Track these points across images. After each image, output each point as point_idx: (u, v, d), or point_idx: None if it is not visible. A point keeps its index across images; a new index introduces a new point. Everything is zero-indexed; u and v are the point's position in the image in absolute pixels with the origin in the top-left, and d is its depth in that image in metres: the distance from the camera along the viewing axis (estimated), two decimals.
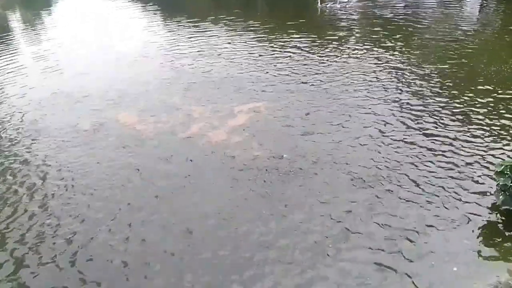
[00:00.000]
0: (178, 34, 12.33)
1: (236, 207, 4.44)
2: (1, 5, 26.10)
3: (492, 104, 6.15)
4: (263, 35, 11.23)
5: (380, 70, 7.86)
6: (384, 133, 5.64)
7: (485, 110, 6.01)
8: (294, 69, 8.30)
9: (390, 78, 7.47)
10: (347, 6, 11.91)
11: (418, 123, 5.84)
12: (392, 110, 6.27)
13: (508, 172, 3.98)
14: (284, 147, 5.46)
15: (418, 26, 11.30)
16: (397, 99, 6.60)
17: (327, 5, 12.41)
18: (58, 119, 7.03)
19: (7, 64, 10.78)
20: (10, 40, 14.83)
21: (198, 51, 10.21)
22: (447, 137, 5.41)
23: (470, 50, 8.69)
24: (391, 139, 5.48)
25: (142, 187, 4.94)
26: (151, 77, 8.60)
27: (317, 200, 4.41)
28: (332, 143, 5.49)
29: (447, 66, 7.81)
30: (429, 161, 4.93)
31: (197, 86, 7.86)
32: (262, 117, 6.35)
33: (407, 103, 6.44)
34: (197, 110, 6.78)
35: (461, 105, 6.22)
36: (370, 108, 6.35)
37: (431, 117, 5.96)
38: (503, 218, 3.99)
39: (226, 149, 5.53)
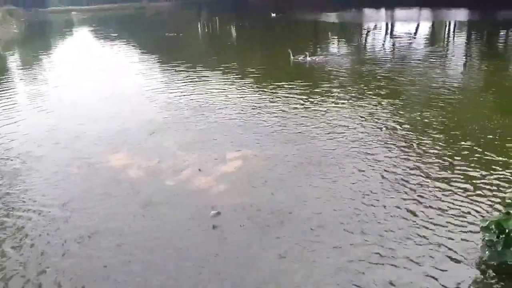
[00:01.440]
0: (172, 79, 12.77)
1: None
2: (2, 46, 26.79)
3: (476, 159, 6.30)
4: (243, 83, 11.87)
5: (359, 122, 8.13)
6: (366, 184, 5.71)
7: (470, 164, 6.14)
8: (282, 118, 8.57)
9: (373, 130, 7.68)
10: (317, 60, 14.71)
11: (400, 178, 5.92)
12: (373, 164, 6.37)
13: (493, 228, 4.03)
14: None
15: (403, 79, 11.82)
16: (380, 154, 6.74)
17: (299, 58, 14.80)
18: (45, 158, 7.06)
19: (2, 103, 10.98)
20: (8, 80, 15.14)
21: (189, 96, 10.65)
22: (431, 190, 5.47)
23: (455, 106, 9.02)
24: (371, 191, 5.54)
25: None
26: (142, 120, 8.82)
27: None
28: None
29: (430, 121, 8.05)
30: (411, 212, 4.97)
31: (188, 132, 8.02)
32: (249, 165, 6.43)
33: (392, 159, 6.57)
34: (185, 155, 6.86)
35: (445, 158, 6.36)
36: (345, 160, 6.48)
37: (413, 169, 6.07)
38: (490, 274, 3.98)
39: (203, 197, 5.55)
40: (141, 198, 5.60)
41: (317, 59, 14.76)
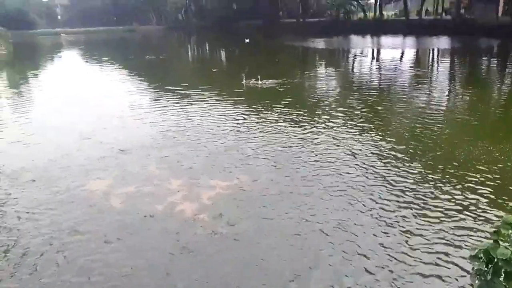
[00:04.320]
0: (162, 103, 12.74)
1: None
2: None
3: (463, 186, 6.31)
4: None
5: (338, 149, 8.14)
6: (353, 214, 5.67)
7: (457, 192, 6.14)
8: (270, 142, 8.54)
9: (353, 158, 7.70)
10: (266, 83, 15.39)
11: (387, 207, 5.89)
12: (360, 194, 6.35)
13: (481, 256, 3.97)
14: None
15: (386, 104, 12.01)
16: (368, 180, 6.73)
17: (250, 82, 15.52)
18: (26, 188, 6.82)
19: None
20: None
21: (178, 120, 10.56)
22: (418, 219, 5.43)
23: (439, 131, 9.11)
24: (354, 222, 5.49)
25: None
26: (131, 144, 8.64)
27: None
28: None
29: (415, 148, 8.08)
30: (399, 244, 4.91)
31: (174, 156, 7.89)
32: (237, 193, 6.34)
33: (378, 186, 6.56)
34: (172, 182, 6.72)
35: (430, 185, 6.37)
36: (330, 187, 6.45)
37: (399, 196, 6.06)
38: None
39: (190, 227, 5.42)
40: None
41: (267, 82, 15.50)
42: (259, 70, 18.12)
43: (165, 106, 12.56)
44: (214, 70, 17.14)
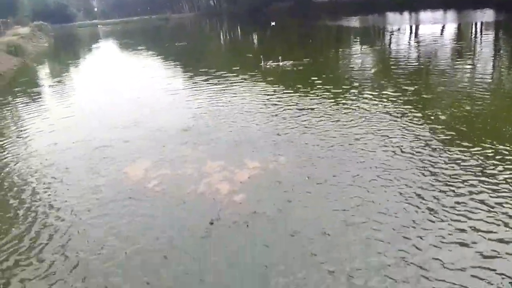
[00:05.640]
0: (200, 89, 12.78)
1: None
2: (31, 59, 27.80)
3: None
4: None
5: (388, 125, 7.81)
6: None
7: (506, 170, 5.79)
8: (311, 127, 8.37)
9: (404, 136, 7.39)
10: (280, 64, 15.31)
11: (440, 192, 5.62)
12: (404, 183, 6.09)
13: None
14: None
15: (429, 81, 11.43)
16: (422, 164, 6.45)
17: (268, 64, 15.54)
18: (75, 169, 7.07)
19: (34, 114, 11.34)
20: (39, 91, 15.66)
21: (216, 105, 10.54)
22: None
23: (485, 107, 8.61)
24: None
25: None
26: (170, 129, 8.75)
27: None
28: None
29: (460, 125, 7.69)
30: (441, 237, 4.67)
31: (214, 140, 7.89)
32: (271, 175, 6.27)
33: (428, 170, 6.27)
34: (209, 165, 6.72)
35: (479, 163, 6.02)
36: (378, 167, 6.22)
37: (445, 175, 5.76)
38: None
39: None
40: None
41: (287, 63, 15.35)
42: (290, 52, 17.91)
43: (198, 90, 12.66)
44: (248, 55, 17.09)
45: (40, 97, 14.38)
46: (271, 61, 15.65)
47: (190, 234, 4.79)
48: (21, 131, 9.88)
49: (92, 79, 17.83)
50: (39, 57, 30.47)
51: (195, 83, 13.98)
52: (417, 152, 6.52)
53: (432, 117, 8.13)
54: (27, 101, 13.50)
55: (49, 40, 47.32)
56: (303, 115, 8.93)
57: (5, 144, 8.86)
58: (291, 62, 15.49)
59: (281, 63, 15.30)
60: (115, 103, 12.14)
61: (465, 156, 6.22)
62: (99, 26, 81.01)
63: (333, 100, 9.96)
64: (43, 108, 12.29)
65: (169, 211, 5.37)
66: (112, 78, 17.37)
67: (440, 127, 7.55)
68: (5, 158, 7.96)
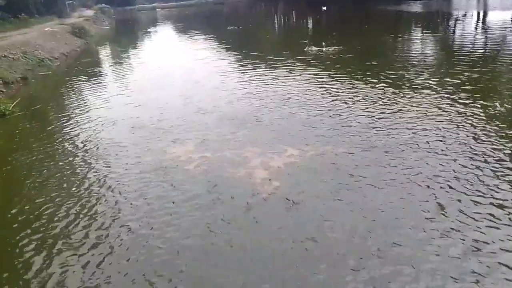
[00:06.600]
0: (250, 75, 12.76)
1: None
2: (96, 41, 29.31)
3: None
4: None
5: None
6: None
7: None
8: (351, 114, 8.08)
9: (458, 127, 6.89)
10: (323, 50, 15.29)
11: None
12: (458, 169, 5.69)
13: None
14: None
15: (492, 71, 10.54)
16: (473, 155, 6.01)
17: (310, 49, 15.65)
18: (124, 148, 7.39)
19: (96, 92, 12.03)
20: (101, 72, 16.56)
21: (259, 92, 10.47)
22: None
23: None
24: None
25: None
26: (213, 113, 8.86)
27: None
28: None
29: None
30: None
31: (253, 126, 7.88)
32: (307, 162, 6.13)
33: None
34: (250, 150, 6.71)
35: None
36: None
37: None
38: None
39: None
40: None
41: (330, 49, 15.31)
42: (341, 38, 17.34)
43: (244, 73, 12.71)
44: (303, 41, 16.88)
45: (100, 77, 15.16)
46: (314, 47, 15.73)
47: None
48: (79, 107, 10.50)
49: (148, 61, 18.48)
50: (101, 39, 32.05)
51: (244, 66, 14.02)
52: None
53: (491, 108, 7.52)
54: (86, 79, 14.31)
55: (111, 22, 49.57)
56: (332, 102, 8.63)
57: (69, 118, 9.49)
58: (334, 48, 15.42)
59: (324, 49, 15.27)
60: (167, 83, 12.49)
61: None
62: (157, 9, 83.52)
63: (371, 89, 9.51)
64: (101, 86, 12.97)
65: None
66: (167, 60, 17.88)
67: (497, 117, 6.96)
68: (68, 128, 8.54)
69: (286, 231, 4.45)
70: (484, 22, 22.10)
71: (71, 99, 11.88)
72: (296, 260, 3.99)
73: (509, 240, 4.00)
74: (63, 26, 28.94)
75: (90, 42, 28.30)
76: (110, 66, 17.83)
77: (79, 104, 10.93)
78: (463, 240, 4.05)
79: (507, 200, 4.64)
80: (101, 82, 13.84)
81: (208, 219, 4.80)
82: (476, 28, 20.34)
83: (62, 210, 5.30)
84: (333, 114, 7.97)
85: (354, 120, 7.58)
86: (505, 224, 4.22)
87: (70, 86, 13.73)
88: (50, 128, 9.06)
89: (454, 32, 19.70)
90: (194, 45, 22.19)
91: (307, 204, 4.91)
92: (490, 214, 4.41)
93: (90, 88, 12.91)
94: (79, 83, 14.17)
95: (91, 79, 14.42)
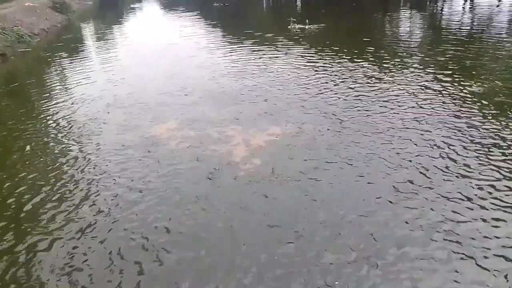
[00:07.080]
0: (236, 52, 12.57)
1: None
2: (77, 17, 28.38)
3: None
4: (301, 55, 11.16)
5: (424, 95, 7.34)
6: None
7: None
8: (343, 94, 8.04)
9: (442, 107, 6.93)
10: (306, 28, 15.52)
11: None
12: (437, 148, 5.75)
13: None
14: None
15: (477, 51, 10.58)
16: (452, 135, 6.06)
17: (293, 26, 15.86)
18: (107, 126, 7.27)
19: (78, 69, 11.77)
20: (83, 48, 16.09)
21: (243, 70, 10.35)
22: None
23: None
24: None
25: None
26: (197, 90, 8.75)
27: None
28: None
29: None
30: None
31: (237, 104, 7.82)
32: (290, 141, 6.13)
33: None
34: (233, 129, 6.68)
35: None
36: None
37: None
38: None
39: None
40: None
41: (311, 27, 15.64)
42: (330, 15, 17.15)
43: (229, 51, 12.52)
44: (291, 19, 16.73)
45: (82, 54, 14.75)
46: (298, 24, 16.06)
47: None
48: (60, 85, 10.25)
49: (133, 38, 18.01)
50: (84, 15, 31.07)
51: (229, 43, 13.81)
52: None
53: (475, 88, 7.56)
54: (68, 56, 13.92)
55: None
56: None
57: (50, 95, 9.27)
58: (316, 26, 15.74)
59: (307, 27, 15.57)
60: (152, 60, 12.24)
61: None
62: None
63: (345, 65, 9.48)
64: (83, 64, 12.63)
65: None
66: (152, 37, 17.48)
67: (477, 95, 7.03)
68: (50, 106, 8.35)
69: (263, 204, 4.48)
70: (472, 1, 22.02)
71: (51, 77, 11.57)
72: (277, 232, 4.03)
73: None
74: (43, 1, 27.87)
75: (72, 17, 27.38)
76: (93, 43, 17.33)
77: (60, 82, 10.67)
78: (431, 211, 4.14)
79: (473, 172, 4.76)
80: (83, 59, 13.46)
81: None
82: (463, 8, 20.28)
83: (35, 188, 5.22)
84: (316, 93, 7.94)
85: (338, 98, 7.57)
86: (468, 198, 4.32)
87: (51, 63, 13.34)
88: (29, 105, 8.84)
89: (442, 11, 19.63)
90: (180, 22, 21.71)
91: (287, 179, 4.93)
92: (458, 188, 4.53)
93: (72, 65, 12.56)
94: (60, 60, 13.77)
95: (73, 56, 14.03)
